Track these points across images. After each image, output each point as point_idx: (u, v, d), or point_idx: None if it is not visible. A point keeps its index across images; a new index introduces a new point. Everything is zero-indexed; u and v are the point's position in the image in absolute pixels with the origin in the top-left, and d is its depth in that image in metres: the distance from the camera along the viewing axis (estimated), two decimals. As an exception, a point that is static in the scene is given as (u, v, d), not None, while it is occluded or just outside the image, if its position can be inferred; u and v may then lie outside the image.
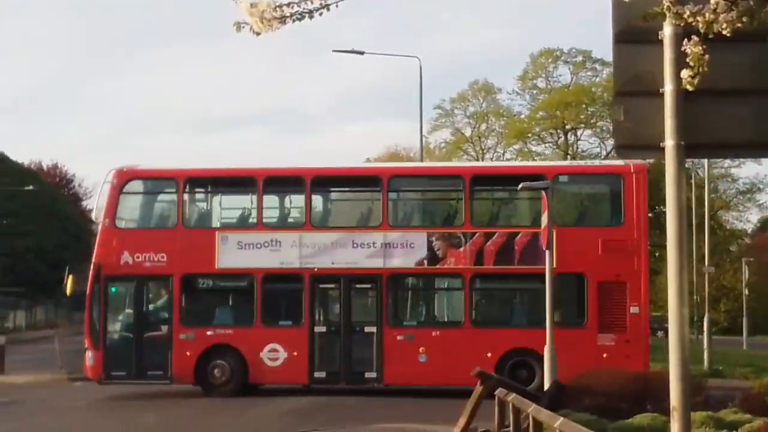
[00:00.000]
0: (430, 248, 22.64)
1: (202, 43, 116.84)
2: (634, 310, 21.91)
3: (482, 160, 75.36)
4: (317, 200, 24.25)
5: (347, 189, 25.15)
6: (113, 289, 23.33)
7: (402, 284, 23.77)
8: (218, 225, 23.96)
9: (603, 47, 68.76)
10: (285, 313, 23.52)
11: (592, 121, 69.60)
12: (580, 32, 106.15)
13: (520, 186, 19.91)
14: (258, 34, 5.42)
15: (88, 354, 23.01)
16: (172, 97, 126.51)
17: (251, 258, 22.90)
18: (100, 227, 23.46)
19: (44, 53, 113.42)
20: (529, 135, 70.14)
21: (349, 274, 22.77)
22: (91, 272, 23.05)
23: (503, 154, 74.46)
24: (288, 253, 22.84)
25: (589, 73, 70.74)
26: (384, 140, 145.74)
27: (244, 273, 23.12)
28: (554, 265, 18.89)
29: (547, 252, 18.75)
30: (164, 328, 23.16)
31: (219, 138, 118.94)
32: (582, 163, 24.65)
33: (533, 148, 69.78)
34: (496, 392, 15.18)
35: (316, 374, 22.87)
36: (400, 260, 22.77)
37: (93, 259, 23.25)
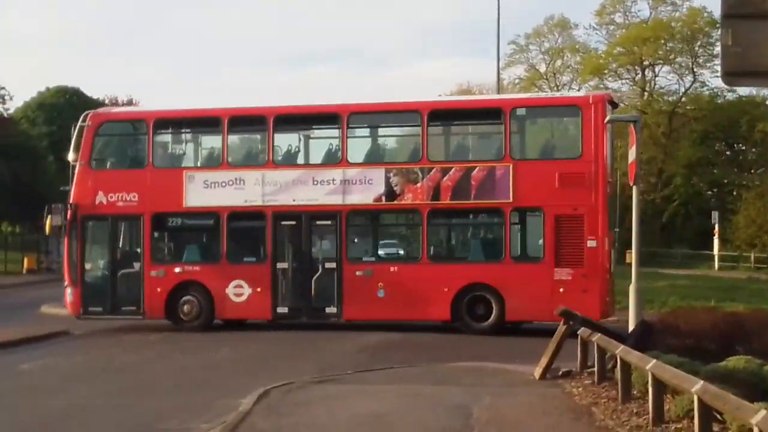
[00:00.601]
0: (388, 184, 22.59)
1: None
2: (591, 243, 21.38)
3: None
4: (280, 139, 23.99)
5: (308, 126, 24.81)
6: (89, 228, 23.88)
7: (361, 220, 23.73)
8: (186, 165, 24.31)
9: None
10: (249, 251, 23.76)
11: (670, 57, 67.85)
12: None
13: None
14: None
15: (68, 290, 23.71)
16: (249, 32, 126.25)
17: (217, 196, 23.23)
18: (76, 168, 23.87)
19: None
20: (606, 71, 68.69)
21: (309, 211, 22.92)
22: (68, 212, 23.65)
23: (579, 91, 73.12)
24: (251, 191, 23.12)
25: (669, 7, 68.96)
26: (457, 77, 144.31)
27: (210, 211, 23.42)
28: (636, 198, 18.14)
29: (634, 188, 18.02)
30: (136, 266, 23.63)
31: (296, 73, 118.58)
32: (541, 94, 23.39)
33: (610, 85, 68.40)
34: (578, 331, 14.67)
35: (279, 310, 23.21)
36: (359, 196, 22.74)
37: (70, 199, 23.86)
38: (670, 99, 68.33)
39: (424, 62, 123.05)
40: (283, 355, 19.62)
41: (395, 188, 22.56)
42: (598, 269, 21.40)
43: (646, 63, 68.56)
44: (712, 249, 58.78)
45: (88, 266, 23.85)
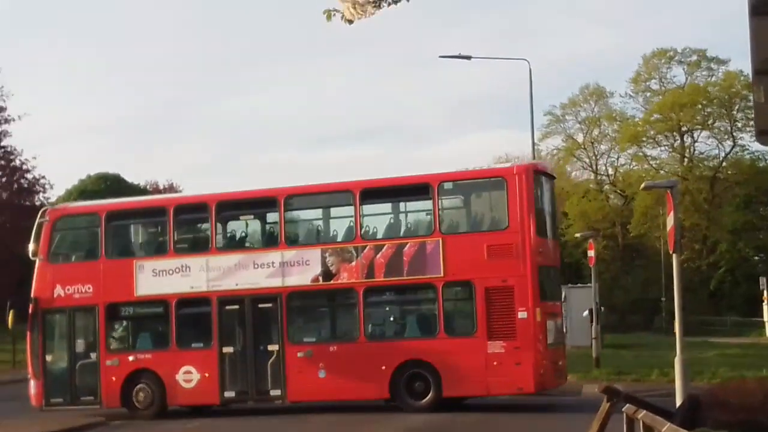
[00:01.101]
0: (324, 264, 22.63)
1: (310, 60, 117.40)
2: (521, 315, 21.14)
3: (596, 167, 74.00)
4: (221, 225, 24.39)
5: (248, 211, 24.93)
6: (49, 321, 24.12)
7: (300, 301, 23.51)
8: (136, 254, 24.72)
9: (719, 45, 66.56)
10: (197, 336, 23.78)
11: (708, 123, 67.33)
12: (694, 31, 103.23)
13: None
14: (350, 22, 4.70)
15: (31, 383, 23.92)
16: (286, 114, 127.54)
17: (165, 284, 23.46)
18: (37, 264, 24.35)
19: (158, 76, 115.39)
20: (644, 138, 68.19)
21: (251, 294, 22.98)
22: (30, 306, 24.14)
23: (617, 159, 72.62)
24: (197, 277, 23.34)
25: (704, 72, 68.57)
26: (494, 149, 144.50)
27: (159, 299, 23.71)
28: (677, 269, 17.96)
29: (674, 256, 17.69)
30: (93, 356, 23.88)
31: (333, 154, 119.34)
32: (466, 168, 24.27)
33: (648, 152, 67.90)
34: (623, 409, 14.14)
35: (226, 394, 23.18)
36: (297, 278, 22.77)
37: (31, 294, 24.30)
38: (711, 164, 67.66)
39: (464, 136, 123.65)
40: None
41: (331, 268, 22.58)
42: (530, 341, 21.16)
43: (684, 129, 68.01)
44: (761, 315, 57.64)
45: (48, 358, 24.05)
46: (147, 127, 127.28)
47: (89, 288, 23.89)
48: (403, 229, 23.33)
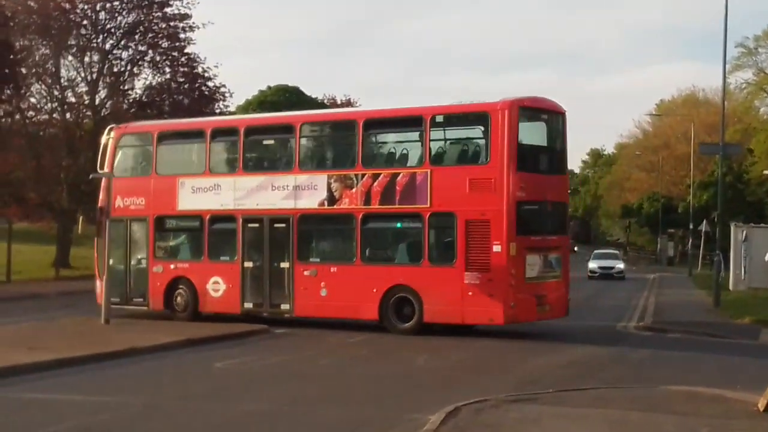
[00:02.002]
0: (329, 190, 24.09)
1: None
2: (496, 248, 21.89)
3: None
4: (249, 148, 26.12)
5: (270, 136, 26.69)
6: (111, 229, 25.84)
7: (308, 223, 24.77)
8: (179, 172, 26.63)
9: None
10: (225, 250, 25.81)
11: None
12: None
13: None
14: None
15: (96, 282, 27.10)
16: (461, 38, 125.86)
17: (201, 201, 25.80)
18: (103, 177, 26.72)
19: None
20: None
21: (269, 214, 24.87)
22: (97, 215, 27.51)
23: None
24: (226, 196, 25.47)
25: None
26: (679, 82, 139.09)
27: (195, 214, 25.99)
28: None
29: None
30: (144, 262, 26.73)
31: (506, 79, 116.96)
32: (456, 102, 23.85)
33: None
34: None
35: (246, 305, 25.21)
36: (307, 201, 24.38)
37: (99, 203, 27.44)
38: None
39: (648, 67, 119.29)
40: (483, 366, 18.94)
41: (335, 193, 24.04)
42: (502, 274, 21.83)
43: None
44: None
45: (110, 262, 26.03)
46: (327, 45, 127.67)
47: (142, 201, 26.74)
48: (398, 159, 24.14)
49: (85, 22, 47.84)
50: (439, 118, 23.45)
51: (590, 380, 16.37)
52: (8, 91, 41.77)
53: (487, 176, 22.10)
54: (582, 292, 39.06)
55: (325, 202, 24.09)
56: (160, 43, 49.87)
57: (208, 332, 22.14)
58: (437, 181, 22.59)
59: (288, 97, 71.08)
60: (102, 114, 48.16)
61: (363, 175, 23.60)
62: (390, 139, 24.89)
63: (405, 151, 24.08)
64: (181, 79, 50.62)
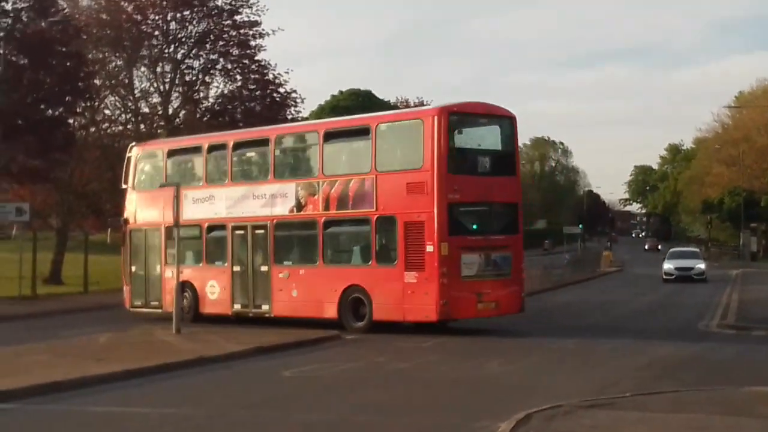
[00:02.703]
0: (297, 197, 25.88)
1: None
2: (429, 248, 22.94)
3: None
4: (236, 161, 28.18)
5: (251, 149, 28.52)
6: (132, 239, 29.71)
7: (281, 229, 26.42)
8: (184, 184, 27.36)
9: None
10: (218, 255, 27.81)
11: None
12: None
13: None
14: None
15: (124, 288, 30.16)
16: (536, 34, 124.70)
17: (199, 210, 27.88)
18: (126, 190, 30.33)
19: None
20: None
21: (251, 222, 26.65)
22: (121, 226, 31.08)
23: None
24: (219, 205, 27.59)
25: None
26: (758, 72, 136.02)
27: (195, 223, 27.80)
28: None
29: None
30: (158, 269, 29.03)
31: (582, 75, 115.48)
32: (399, 111, 26.97)
33: None
34: None
35: (235, 306, 27.17)
36: (280, 209, 26.20)
37: (123, 215, 30.73)
38: None
39: (726, 58, 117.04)
40: (558, 369, 18.37)
41: (301, 200, 25.82)
42: (435, 273, 22.78)
43: None
44: None
45: (132, 269, 29.61)
46: (399, 47, 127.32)
47: (155, 212, 28.58)
48: (351, 166, 25.40)
49: (156, 32, 48.11)
50: (383, 127, 24.69)
51: (670, 382, 15.80)
52: (83, 104, 42.13)
53: (421, 180, 23.20)
54: (661, 291, 38.11)
55: (294, 209, 25.93)
56: (230, 51, 49.91)
57: (277, 339, 21.96)
58: (381, 186, 23.97)
59: (360, 101, 70.95)
60: (175, 123, 48.43)
61: (323, 183, 25.22)
62: (345, 148, 26.10)
63: (356, 159, 25.24)
64: (252, 86, 50.61)
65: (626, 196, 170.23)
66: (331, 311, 24.71)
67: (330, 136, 25.66)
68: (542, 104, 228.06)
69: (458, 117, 23.92)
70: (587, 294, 37.58)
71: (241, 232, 27.07)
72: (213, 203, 27.73)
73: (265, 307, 26.24)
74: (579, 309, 32.70)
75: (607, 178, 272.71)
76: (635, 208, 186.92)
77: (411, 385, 16.23)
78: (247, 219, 26.85)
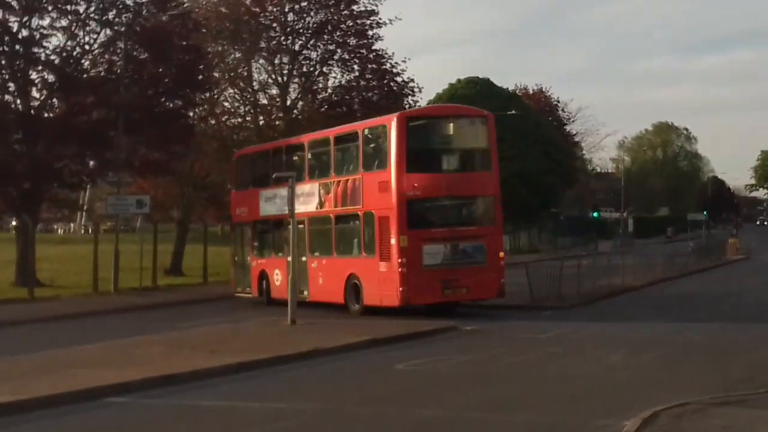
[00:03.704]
0: (319, 195, 28.63)
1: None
2: (392, 240, 25.30)
3: None
4: (283, 165, 30.42)
5: (294, 154, 31.12)
6: (235, 233, 34.46)
7: (312, 224, 29.20)
8: (260, 186, 32.16)
9: None
10: (281, 247, 30.33)
11: None
12: None
13: None
14: None
15: (232, 276, 34.51)
16: (662, 16, 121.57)
17: (269, 208, 31.04)
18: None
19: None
20: None
21: (297, 218, 26.82)
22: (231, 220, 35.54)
23: None
24: (281, 203, 28.98)
25: None
26: None
27: (267, 219, 31.30)
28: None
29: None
30: (248, 259, 32.63)
31: (712, 60, 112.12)
32: (378, 117, 28.79)
33: None
34: None
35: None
36: (311, 206, 28.87)
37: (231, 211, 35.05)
38: None
39: None
40: (688, 362, 17.56)
41: (321, 198, 28.52)
42: (395, 263, 25.07)
43: None
44: None
45: (235, 259, 33.94)
46: (518, 34, 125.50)
47: (246, 210, 32.90)
48: (350, 168, 27.73)
49: (274, 24, 48.27)
50: (366, 132, 27.57)
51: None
52: (202, 96, 42.51)
53: (386, 179, 25.63)
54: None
55: (318, 206, 28.66)
56: (348, 41, 49.73)
57: (393, 331, 21.61)
58: (366, 185, 26.46)
59: (479, 89, 70.12)
60: (294, 114, 48.54)
61: (337, 183, 27.80)
62: (346, 152, 28.43)
63: (351, 162, 27.74)
64: (369, 76, 50.34)
65: (752, 182, 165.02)
66: (339, 296, 27.26)
67: (338, 141, 28.54)
68: (666, 91, 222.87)
69: (417, 121, 26.66)
70: (713, 282, 36.22)
71: (289, 226, 28.64)
72: (274, 202, 30.52)
73: (305, 293, 28.37)
74: (705, 298, 31.43)
75: (733, 164, 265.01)
76: (762, 194, 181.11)
77: (528, 380, 15.64)
78: (300, 215, 27.44)
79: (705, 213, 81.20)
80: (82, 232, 77.06)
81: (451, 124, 27.02)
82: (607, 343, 19.89)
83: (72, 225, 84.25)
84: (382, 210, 25.59)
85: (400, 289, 24.92)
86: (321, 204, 28.48)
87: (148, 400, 14.08)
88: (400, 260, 24.95)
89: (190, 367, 16.29)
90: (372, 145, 27.22)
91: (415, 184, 25.22)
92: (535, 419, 12.25)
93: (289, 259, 26.54)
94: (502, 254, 26.42)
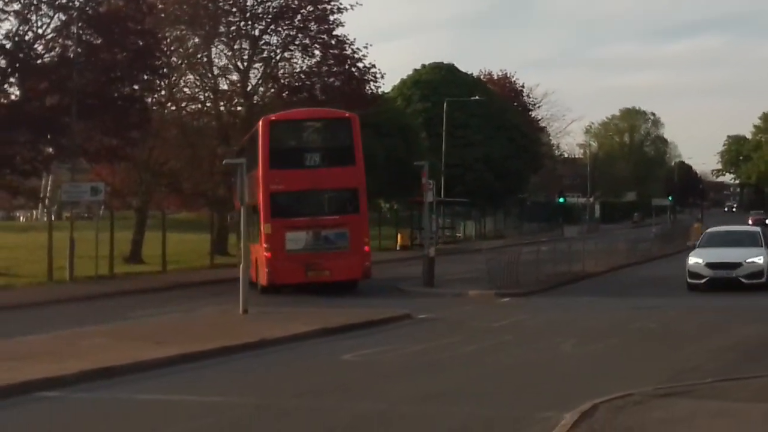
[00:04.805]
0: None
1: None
2: (261, 229, 28.68)
3: None
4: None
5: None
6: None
7: (249, 213, 29.21)
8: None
9: None
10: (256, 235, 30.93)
11: None
12: None
13: None
14: None
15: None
16: (624, 4, 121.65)
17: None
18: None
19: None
20: None
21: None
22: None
23: None
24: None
25: None
26: None
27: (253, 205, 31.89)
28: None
29: None
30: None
31: (676, 45, 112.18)
32: None
33: None
34: None
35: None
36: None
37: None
38: None
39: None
40: (637, 351, 17.26)
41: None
42: (263, 248, 28.44)
43: None
44: None
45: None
46: (485, 20, 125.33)
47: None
48: (251, 165, 28.68)
49: (233, 9, 47.67)
50: (252, 133, 30.71)
51: (757, 367, 14.48)
52: (159, 83, 41.89)
53: (257, 175, 28.43)
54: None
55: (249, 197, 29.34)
56: (308, 26, 49.19)
57: (345, 320, 21.23)
58: (250, 181, 26.93)
59: (443, 75, 69.81)
60: (254, 101, 48.00)
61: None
62: (250, 149, 30.84)
63: (251, 159, 28.77)
64: (331, 62, 49.87)
65: (719, 167, 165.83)
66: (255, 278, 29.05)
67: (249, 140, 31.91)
68: (634, 76, 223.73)
69: (281, 124, 29.62)
70: (674, 268, 36.16)
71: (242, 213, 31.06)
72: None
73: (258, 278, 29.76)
74: (665, 285, 31.29)
75: (699, 149, 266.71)
76: (728, 179, 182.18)
77: (477, 370, 15.35)
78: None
79: (670, 198, 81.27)
80: (45, 219, 76.20)
81: (313, 126, 30.72)
82: (562, 331, 19.72)
83: (35, 212, 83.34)
84: (257, 203, 28.62)
85: (266, 270, 28.02)
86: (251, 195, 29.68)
87: (82, 394, 13.58)
88: (265, 245, 28.12)
89: (131, 359, 15.85)
90: (251, 145, 30.44)
91: (278, 180, 28.38)
92: (475, 411, 11.92)
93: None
94: (367, 239, 29.42)
